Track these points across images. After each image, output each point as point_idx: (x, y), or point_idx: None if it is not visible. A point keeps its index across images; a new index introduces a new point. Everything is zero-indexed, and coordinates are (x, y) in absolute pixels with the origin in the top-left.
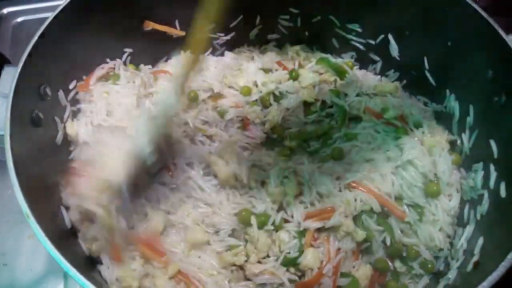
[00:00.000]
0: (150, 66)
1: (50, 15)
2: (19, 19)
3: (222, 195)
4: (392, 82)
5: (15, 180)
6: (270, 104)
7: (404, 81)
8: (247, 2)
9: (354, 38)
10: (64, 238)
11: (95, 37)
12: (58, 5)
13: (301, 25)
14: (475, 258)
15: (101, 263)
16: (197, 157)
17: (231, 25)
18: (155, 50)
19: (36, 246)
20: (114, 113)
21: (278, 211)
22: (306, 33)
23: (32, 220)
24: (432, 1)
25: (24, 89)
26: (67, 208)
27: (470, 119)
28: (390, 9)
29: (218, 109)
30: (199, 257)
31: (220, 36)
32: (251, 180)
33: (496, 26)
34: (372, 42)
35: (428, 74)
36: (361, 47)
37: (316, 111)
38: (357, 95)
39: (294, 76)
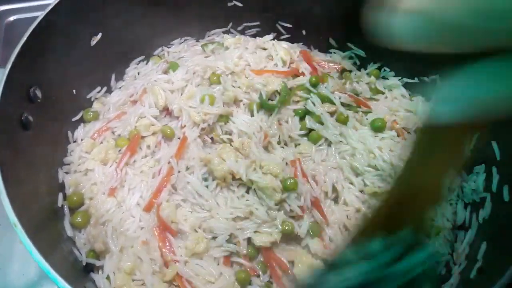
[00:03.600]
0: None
1: (40, 14)
2: (11, 18)
3: (220, 199)
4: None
5: (2, 187)
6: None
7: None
8: (247, 2)
9: (352, 38)
10: (57, 246)
11: (88, 37)
12: (50, 4)
13: (299, 24)
14: (478, 264)
15: (97, 271)
16: (197, 159)
17: (229, 26)
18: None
19: None
20: None
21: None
22: (304, 32)
23: (19, 229)
24: None
25: (13, 91)
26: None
27: None
28: None
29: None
30: (197, 264)
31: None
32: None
33: None
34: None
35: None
36: (360, 48)
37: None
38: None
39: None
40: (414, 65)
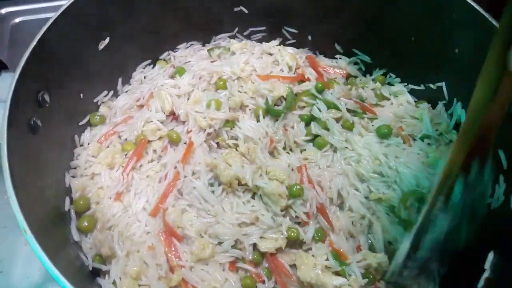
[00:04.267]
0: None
1: (52, 17)
2: (18, 20)
3: (226, 204)
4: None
5: (12, 191)
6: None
7: (409, 87)
8: (253, 7)
9: (358, 44)
10: (63, 251)
11: (95, 41)
12: (60, 6)
13: (304, 30)
14: (486, 274)
15: (104, 276)
16: (203, 164)
17: (235, 31)
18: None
19: (33, 253)
20: None
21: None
22: (309, 37)
23: (29, 235)
24: (440, 8)
25: (22, 96)
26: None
27: None
28: (396, 17)
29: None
30: (202, 269)
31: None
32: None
33: None
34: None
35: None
36: (366, 53)
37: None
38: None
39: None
40: (420, 72)
